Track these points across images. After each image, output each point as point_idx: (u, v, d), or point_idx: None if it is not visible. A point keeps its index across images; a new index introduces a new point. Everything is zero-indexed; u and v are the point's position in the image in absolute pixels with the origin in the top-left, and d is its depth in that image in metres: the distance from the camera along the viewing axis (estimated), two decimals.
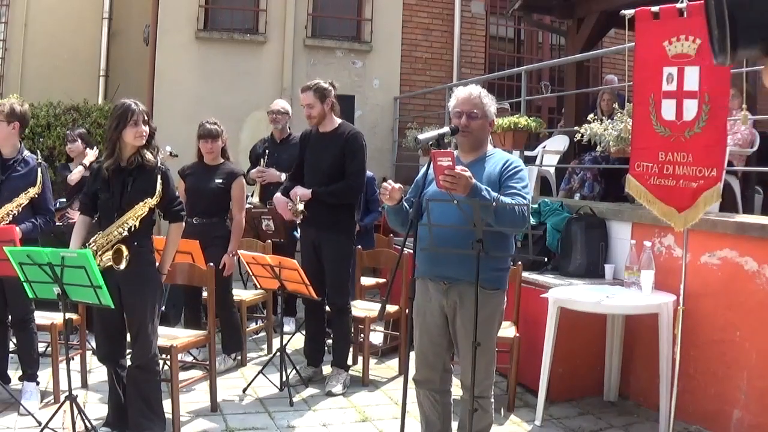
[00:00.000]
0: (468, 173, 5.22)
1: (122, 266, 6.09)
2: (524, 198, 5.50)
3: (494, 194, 5.33)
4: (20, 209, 7.09)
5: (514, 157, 5.88)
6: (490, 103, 5.81)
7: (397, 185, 5.67)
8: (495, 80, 16.39)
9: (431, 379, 5.94)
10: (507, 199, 5.35)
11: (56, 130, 13.74)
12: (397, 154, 15.86)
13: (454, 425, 6.15)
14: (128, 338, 6.44)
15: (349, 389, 8.11)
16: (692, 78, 6.58)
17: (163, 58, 14.74)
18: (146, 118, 6.24)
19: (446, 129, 5.94)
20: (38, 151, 7.98)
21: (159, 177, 6.24)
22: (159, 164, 6.29)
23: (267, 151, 10.24)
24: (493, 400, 5.93)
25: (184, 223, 6.68)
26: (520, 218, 5.36)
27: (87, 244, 6.20)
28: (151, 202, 6.19)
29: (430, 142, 5.80)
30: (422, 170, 5.86)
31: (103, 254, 6.13)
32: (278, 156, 10.15)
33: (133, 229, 6.15)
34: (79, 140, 9.81)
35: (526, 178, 5.71)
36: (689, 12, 6.57)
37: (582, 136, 9.02)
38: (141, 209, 6.17)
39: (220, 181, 8.63)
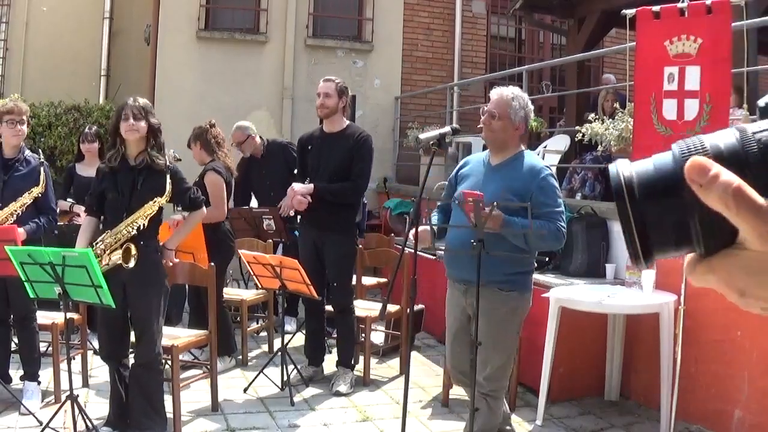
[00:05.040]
0: (496, 212, 5.34)
1: (131, 264, 6.08)
2: (560, 218, 5.63)
3: (525, 223, 5.42)
4: (24, 209, 7.10)
5: (542, 163, 5.96)
6: (520, 107, 5.83)
7: (423, 229, 5.78)
8: (496, 80, 16.38)
9: (462, 374, 6.06)
10: (538, 225, 5.47)
11: (57, 130, 13.72)
12: (398, 154, 15.85)
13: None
14: (132, 337, 6.44)
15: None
16: (693, 77, 6.59)
17: (164, 57, 14.73)
18: (143, 113, 6.22)
19: (447, 128, 5.97)
20: (40, 151, 7.98)
21: (168, 176, 6.24)
22: (167, 163, 6.30)
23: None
24: (505, 401, 6.01)
25: (204, 209, 6.74)
26: (553, 240, 5.49)
27: (94, 244, 6.20)
28: (161, 200, 6.19)
29: (432, 142, 5.83)
30: (454, 170, 5.96)
31: (111, 253, 6.13)
32: (265, 169, 10.19)
33: (141, 228, 6.16)
34: (97, 140, 9.77)
35: (557, 186, 5.83)
36: (690, 12, 6.59)
37: (583, 135, 9.03)
38: (150, 208, 6.18)
39: (198, 177, 8.62)
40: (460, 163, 6.23)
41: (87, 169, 9.47)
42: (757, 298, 0.97)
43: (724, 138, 0.96)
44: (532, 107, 5.95)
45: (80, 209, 9.11)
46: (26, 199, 7.11)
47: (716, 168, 0.91)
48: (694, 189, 0.92)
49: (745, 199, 0.90)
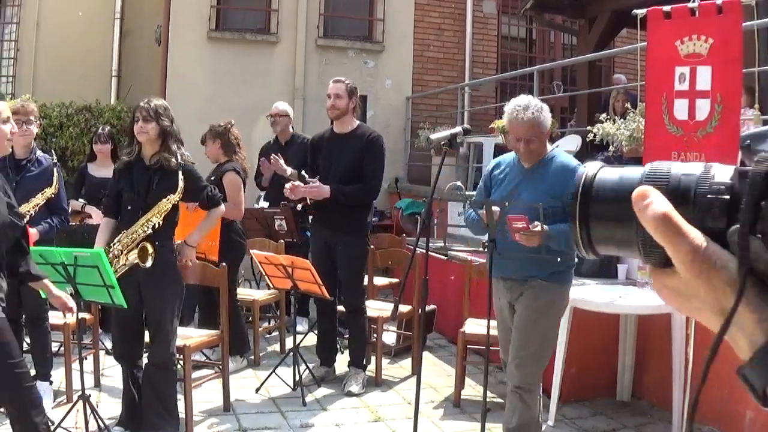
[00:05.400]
0: (538, 228, 5.44)
1: (148, 264, 6.10)
2: None
3: (561, 229, 5.50)
4: (36, 209, 7.11)
5: (573, 162, 5.96)
6: (544, 118, 5.81)
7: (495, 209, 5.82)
8: (507, 80, 16.40)
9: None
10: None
11: (68, 131, 13.75)
12: (410, 154, 15.85)
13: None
14: (146, 338, 6.46)
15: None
16: (704, 77, 6.58)
17: (175, 58, 14.75)
18: (154, 115, 6.24)
19: (458, 129, 5.97)
20: (53, 151, 7.99)
21: (180, 174, 6.25)
22: (179, 161, 6.31)
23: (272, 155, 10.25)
24: (540, 396, 6.02)
25: (223, 206, 6.76)
26: None
27: (111, 245, 6.23)
28: (174, 198, 6.19)
29: (443, 142, 5.84)
30: (485, 171, 6.01)
31: (128, 253, 6.15)
32: (284, 157, 10.18)
33: (156, 226, 6.19)
34: (110, 141, 9.75)
35: None
36: (701, 11, 6.57)
37: (594, 135, 9.03)
38: (164, 206, 6.21)
39: (213, 177, 8.63)
40: (491, 164, 6.23)
41: (99, 170, 9.49)
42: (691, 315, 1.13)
43: (690, 170, 1.11)
44: (544, 105, 5.93)
45: (92, 210, 9.12)
46: (39, 199, 7.13)
47: (653, 197, 1.07)
48: (635, 211, 1.08)
49: (668, 226, 1.05)
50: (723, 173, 1.08)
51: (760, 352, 1.01)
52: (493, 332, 6.15)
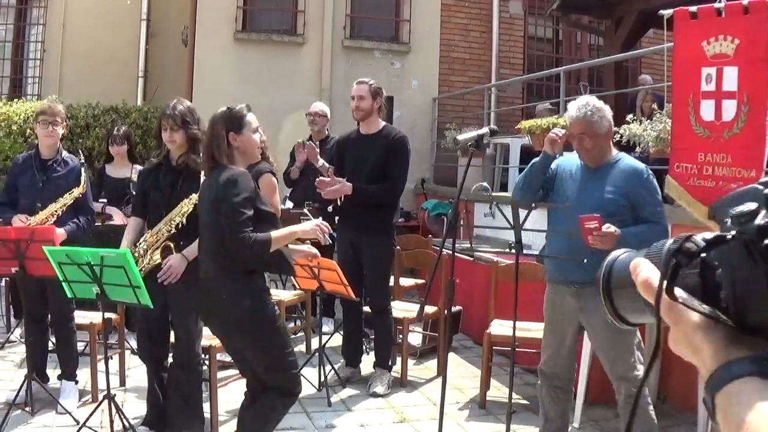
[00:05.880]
0: (612, 229, 5.44)
1: (182, 269, 6.13)
2: (663, 216, 5.83)
3: (635, 233, 5.52)
4: (64, 209, 7.15)
5: (641, 165, 5.93)
6: (599, 117, 5.84)
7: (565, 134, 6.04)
8: (534, 81, 16.39)
9: (556, 378, 6.09)
10: (646, 229, 5.62)
11: (95, 131, 13.78)
12: (436, 155, 15.84)
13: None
14: (171, 338, 6.48)
15: None
16: (731, 78, 6.55)
17: (202, 59, 14.81)
18: (181, 123, 6.26)
19: (485, 130, 5.96)
20: (80, 151, 8.04)
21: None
22: None
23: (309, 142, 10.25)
24: (650, 401, 5.94)
25: None
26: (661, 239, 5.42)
27: (137, 244, 6.26)
28: (195, 198, 6.20)
29: (469, 143, 5.83)
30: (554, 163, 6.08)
31: (153, 252, 6.17)
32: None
33: (180, 226, 6.21)
34: (126, 141, 9.77)
35: (657, 187, 5.90)
36: (727, 12, 6.54)
37: (621, 136, 9.00)
38: (187, 206, 6.23)
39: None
40: (553, 166, 6.21)
41: (116, 170, 9.55)
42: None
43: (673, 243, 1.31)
44: (606, 106, 5.94)
45: (113, 210, 9.16)
46: (67, 199, 7.17)
47: (642, 266, 1.34)
48: (633, 279, 1.36)
49: (649, 288, 1.31)
50: (696, 240, 1.29)
51: (710, 378, 1.25)
52: (519, 333, 6.14)
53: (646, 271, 1.33)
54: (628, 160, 5.92)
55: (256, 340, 5.51)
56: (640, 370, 5.76)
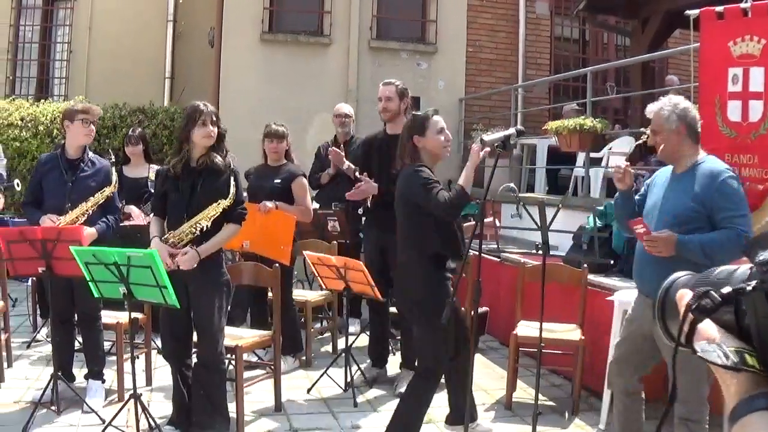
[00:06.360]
0: (665, 234, 5.34)
1: (194, 265, 6.14)
2: (741, 222, 5.40)
3: (700, 239, 5.34)
4: (94, 209, 7.20)
5: (724, 167, 5.62)
6: (669, 112, 5.63)
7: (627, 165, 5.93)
8: (560, 81, 16.35)
9: (623, 386, 5.99)
10: (710, 239, 5.36)
11: (122, 132, 13.82)
12: (463, 156, 15.79)
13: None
14: (194, 337, 6.49)
15: None
16: (757, 79, 6.53)
17: (228, 60, 14.81)
18: (215, 119, 6.29)
19: (512, 130, 5.94)
20: (110, 151, 8.10)
21: (231, 178, 6.28)
22: (230, 166, 6.34)
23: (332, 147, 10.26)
24: (707, 426, 5.66)
25: (240, 227, 6.62)
26: (735, 248, 5.26)
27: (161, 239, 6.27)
28: (225, 203, 6.21)
29: (496, 144, 5.81)
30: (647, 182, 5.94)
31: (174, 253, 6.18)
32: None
33: (204, 229, 6.21)
34: (141, 142, 9.81)
35: (737, 189, 5.52)
36: (753, 12, 6.52)
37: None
38: (214, 210, 6.22)
39: (279, 181, 8.66)
40: (649, 180, 6.15)
41: (133, 171, 9.60)
42: None
43: (723, 275, 1.46)
44: (686, 105, 5.70)
45: (132, 209, 9.19)
46: (99, 198, 7.22)
47: (686, 297, 1.45)
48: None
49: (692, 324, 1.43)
50: (713, 296, 1.41)
51: (732, 411, 1.35)
52: (546, 335, 6.13)
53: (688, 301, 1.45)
54: (709, 164, 5.59)
55: (428, 321, 6.18)
56: (700, 404, 5.65)
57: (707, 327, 1.40)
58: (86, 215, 7.14)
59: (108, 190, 7.31)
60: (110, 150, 8.75)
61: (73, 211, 7.09)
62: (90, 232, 7.08)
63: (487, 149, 6.04)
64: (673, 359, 1.48)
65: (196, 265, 6.15)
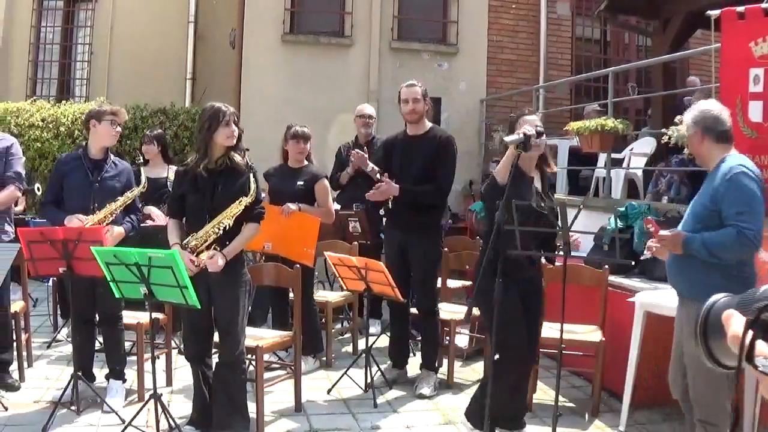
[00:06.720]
0: (672, 233, 5.42)
1: (221, 267, 6.16)
2: (742, 220, 5.28)
3: (703, 238, 5.35)
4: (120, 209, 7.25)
5: (733, 164, 5.48)
6: (695, 117, 5.60)
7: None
8: (581, 82, 16.32)
9: (679, 393, 5.96)
10: (708, 237, 5.35)
11: (143, 133, 13.87)
12: (484, 157, 15.80)
13: None
14: (215, 338, 6.51)
15: None
16: None
17: (249, 61, 14.85)
18: (236, 119, 6.32)
19: (533, 131, 5.93)
20: (138, 151, 8.17)
21: (251, 176, 6.30)
22: (249, 164, 6.35)
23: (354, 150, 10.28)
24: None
25: (259, 226, 6.63)
26: (737, 246, 5.25)
27: (182, 245, 6.28)
28: (246, 200, 6.24)
29: (517, 145, 5.81)
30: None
31: (198, 254, 6.20)
32: None
33: (227, 228, 6.23)
34: (155, 142, 9.84)
35: (745, 185, 5.38)
36: None
37: (669, 138, 8.95)
38: (236, 208, 6.24)
39: (302, 183, 8.68)
40: None
41: (152, 171, 9.60)
42: None
43: (765, 314, 1.43)
44: (704, 107, 5.62)
45: (151, 210, 9.22)
46: (128, 198, 7.30)
47: (733, 319, 1.47)
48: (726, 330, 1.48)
49: (736, 340, 1.43)
50: None
51: None
52: (567, 336, 6.12)
53: (736, 326, 1.46)
54: (727, 162, 5.50)
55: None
56: (718, 408, 5.63)
57: (763, 344, 1.42)
58: (113, 215, 7.18)
59: (137, 190, 7.39)
60: (138, 150, 8.83)
61: (100, 211, 7.12)
62: (119, 231, 7.17)
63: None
64: (736, 378, 1.55)
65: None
